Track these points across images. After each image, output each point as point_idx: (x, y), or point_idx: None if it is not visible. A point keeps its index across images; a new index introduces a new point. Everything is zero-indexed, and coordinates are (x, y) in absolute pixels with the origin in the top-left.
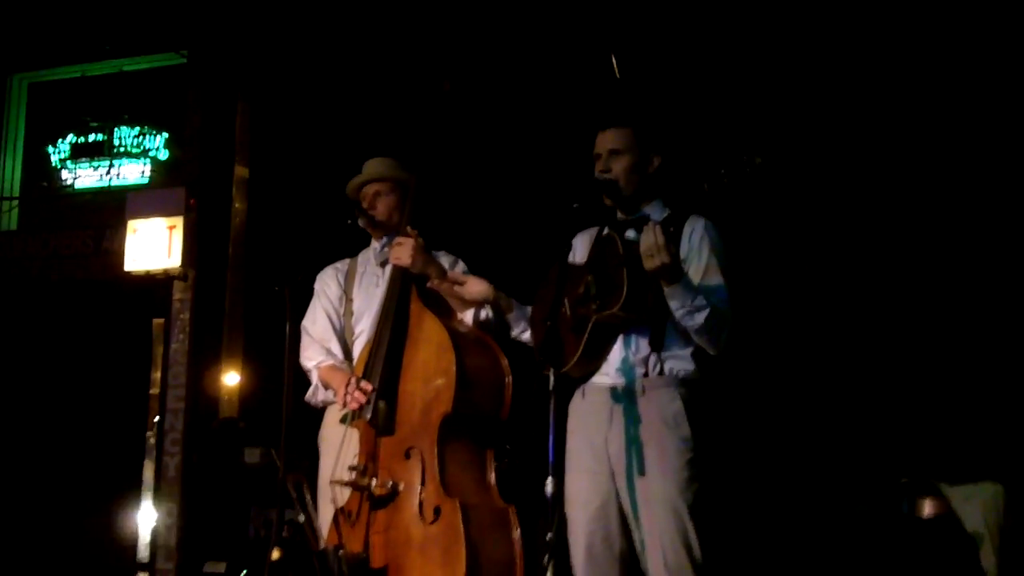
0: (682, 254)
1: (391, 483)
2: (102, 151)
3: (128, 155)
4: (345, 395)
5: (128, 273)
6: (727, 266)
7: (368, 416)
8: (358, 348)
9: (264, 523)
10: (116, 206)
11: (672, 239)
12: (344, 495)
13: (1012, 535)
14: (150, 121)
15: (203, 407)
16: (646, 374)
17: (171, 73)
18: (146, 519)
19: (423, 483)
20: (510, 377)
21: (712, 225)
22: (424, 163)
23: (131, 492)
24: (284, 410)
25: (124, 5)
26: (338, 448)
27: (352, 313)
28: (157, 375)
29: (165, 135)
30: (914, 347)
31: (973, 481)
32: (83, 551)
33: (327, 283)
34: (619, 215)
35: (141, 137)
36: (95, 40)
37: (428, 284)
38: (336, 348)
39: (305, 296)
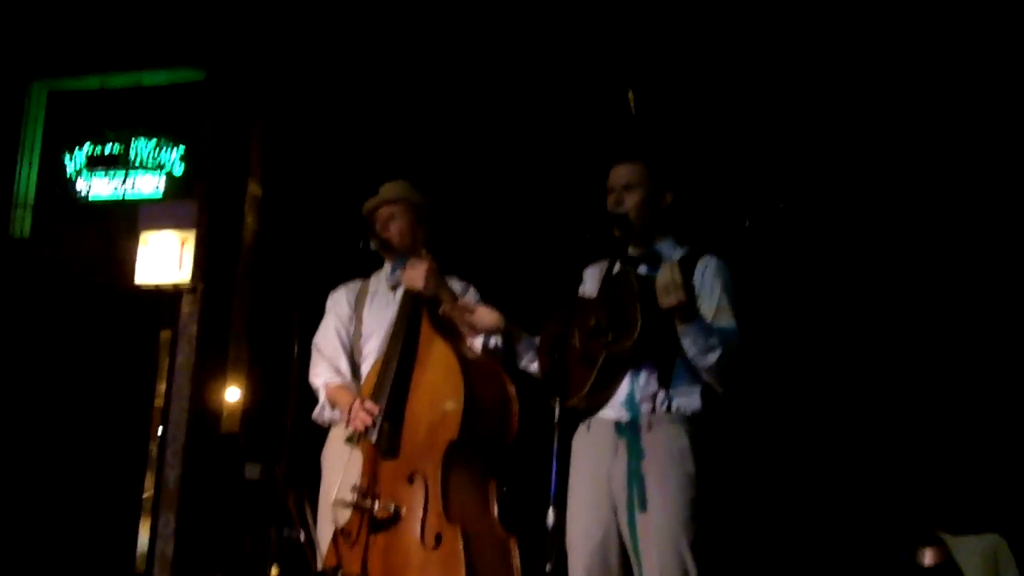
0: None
1: (393, 506)
2: (118, 162)
3: (143, 168)
4: (351, 415)
5: (138, 285)
6: (738, 305)
7: (373, 438)
8: (366, 369)
9: (261, 539)
10: (129, 217)
11: (687, 276)
12: (344, 515)
13: None
14: (167, 135)
15: (206, 421)
16: (653, 410)
17: (189, 89)
18: (144, 530)
19: (425, 508)
20: (517, 406)
21: (724, 263)
22: (439, 187)
23: (131, 502)
24: (287, 428)
25: (145, 19)
26: (341, 468)
27: (362, 335)
28: (162, 387)
29: (181, 149)
30: (918, 394)
31: (974, 532)
32: (81, 559)
33: (339, 302)
34: (631, 250)
35: (157, 150)
36: (115, 52)
37: (440, 310)
38: (345, 367)
39: (313, 316)
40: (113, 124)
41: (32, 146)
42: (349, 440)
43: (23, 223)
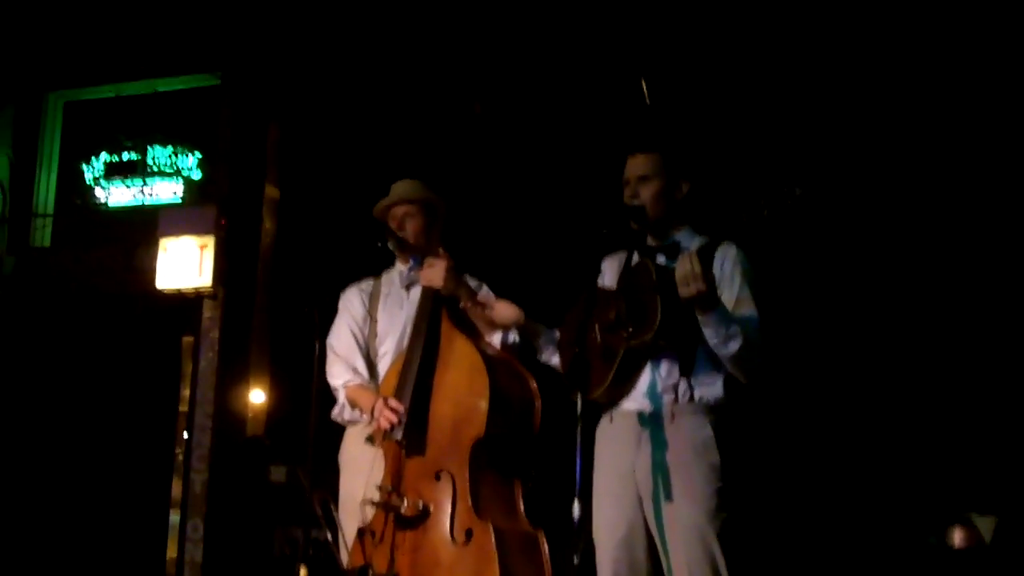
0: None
1: (421, 504)
2: (135, 170)
3: (161, 174)
4: (374, 414)
5: (159, 291)
6: (758, 294)
7: (399, 436)
8: (382, 369)
9: (289, 541)
10: (148, 224)
11: (707, 266)
12: (369, 514)
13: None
14: (183, 141)
15: (230, 425)
16: (675, 400)
17: (205, 93)
18: (173, 535)
19: (454, 505)
20: (539, 401)
21: (743, 252)
22: (454, 185)
23: (159, 508)
24: (310, 429)
25: (159, 25)
26: (360, 467)
27: (376, 334)
28: (186, 392)
29: (198, 155)
30: (947, 376)
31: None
32: (110, 566)
33: (351, 302)
34: (649, 240)
35: (174, 156)
36: (130, 60)
37: (460, 305)
38: (361, 366)
39: (332, 316)
40: (130, 132)
41: (50, 156)
42: (370, 440)
43: (43, 233)
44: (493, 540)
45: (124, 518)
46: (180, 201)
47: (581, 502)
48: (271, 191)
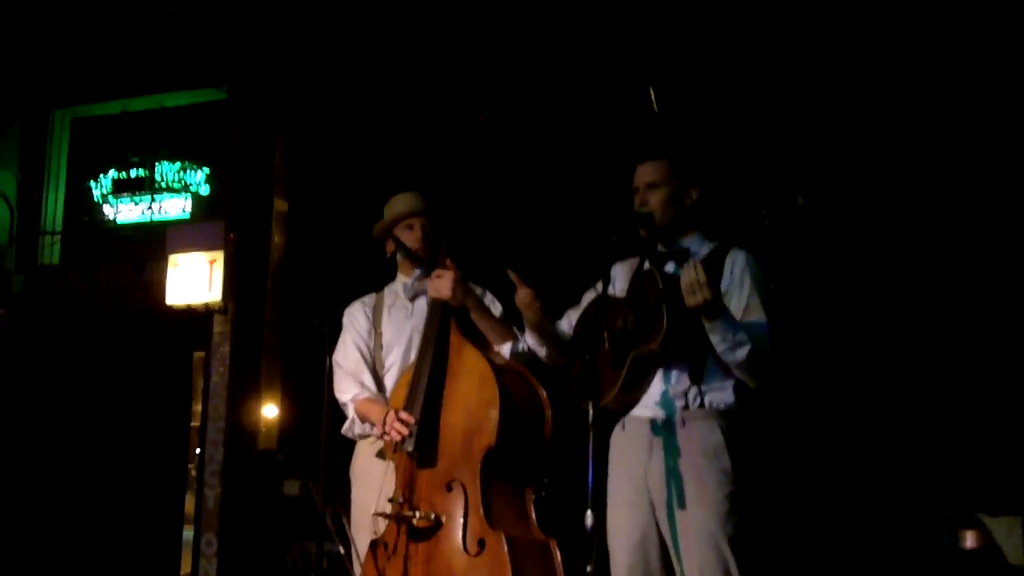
0: (722, 287)
1: (433, 515)
2: (143, 186)
3: (169, 190)
4: (385, 427)
5: (169, 307)
6: (768, 300)
7: (410, 448)
8: (389, 381)
9: (302, 555)
10: (157, 240)
11: (713, 274)
12: (381, 526)
13: None
14: (191, 156)
15: (242, 439)
16: (686, 406)
17: (211, 108)
18: (187, 550)
19: (466, 515)
20: (550, 410)
21: (752, 257)
22: (461, 196)
23: (172, 524)
24: (322, 442)
25: (165, 41)
26: (372, 480)
27: (382, 346)
28: (198, 407)
29: (206, 170)
30: (958, 377)
31: (1016, 512)
32: None
33: (355, 317)
34: (659, 247)
35: (182, 172)
36: (136, 76)
37: (473, 311)
38: (369, 381)
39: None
40: (137, 148)
41: (57, 174)
42: (380, 455)
43: (52, 251)
44: (506, 549)
45: (137, 534)
46: (188, 217)
47: (594, 510)
48: (280, 205)
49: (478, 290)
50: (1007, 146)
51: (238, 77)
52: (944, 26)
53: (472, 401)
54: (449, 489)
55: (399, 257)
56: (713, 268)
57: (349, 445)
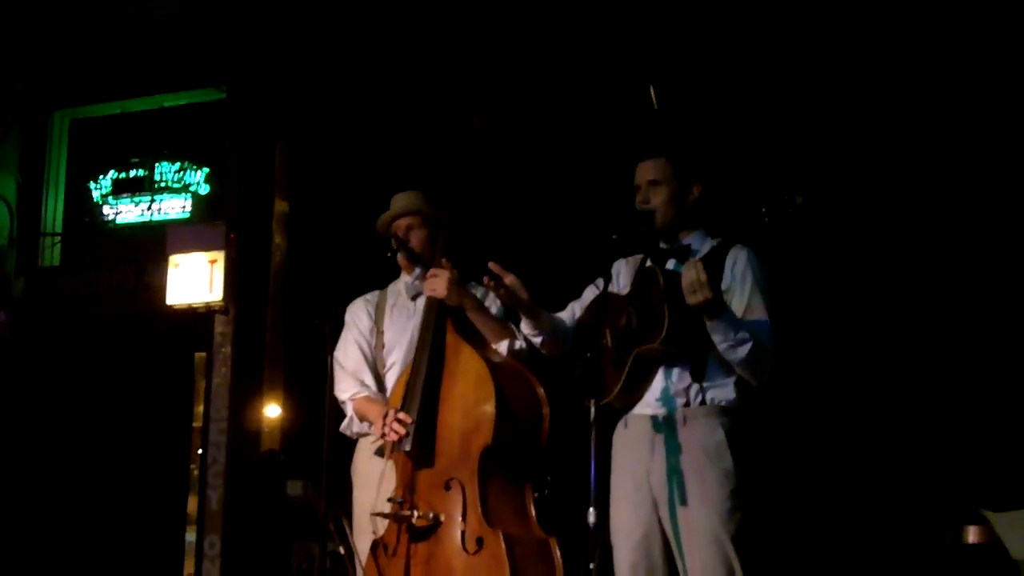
0: (724, 285)
1: (432, 514)
2: (143, 187)
3: (169, 190)
4: (383, 427)
5: (170, 307)
6: (770, 297)
7: (407, 448)
8: (390, 380)
9: (306, 556)
10: (157, 241)
11: (714, 271)
12: (382, 527)
13: None
14: (190, 156)
15: (245, 440)
16: (687, 404)
17: (211, 108)
18: (190, 552)
19: (465, 514)
20: (547, 408)
21: (755, 255)
22: (460, 195)
23: (175, 526)
24: (325, 443)
25: (163, 41)
26: (372, 480)
27: (384, 346)
28: (200, 409)
29: (206, 170)
30: (959, 374)
31: (1018, 507)
32: None
33: (358, 315)
34: (661, 244)
35: (182, 172)
36: (135, 77)
37: (469, 310)
38: (369, 380)
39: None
40: (136, 148)
41: (57, 175)
42: (379, 452)
43: (52, 253)
44: (504, 548)
45: (140, 536)
46: (188, 217)
47: (596, 508)
48: (280, 205)
49: (479, 291)
50: (1008, 146)
51: (237, 77)
52: (944, 26)
53: (469, 400)
54: (447, 488)
55: (399, 256)
56: (714, 266)
57: (351, 445)
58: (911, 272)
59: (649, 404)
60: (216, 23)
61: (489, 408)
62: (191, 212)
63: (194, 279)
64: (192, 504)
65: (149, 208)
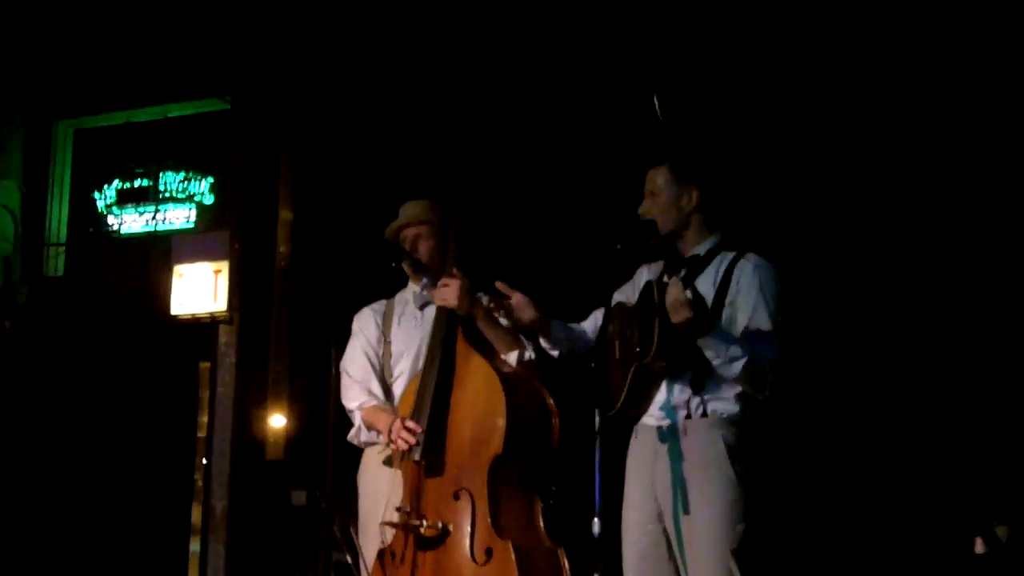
0: (729, 296)
1: (440, 524)
2: (148, 196)
3: (174, 200)
4: (392, 436)
5: (174, 317)
6: (779, 307)
7: (416, 456)
8: (398, 389)
9: (311, 565)
10: (162, 250)
11: (708, 285)
12: (389, 536)
13: None
14: (195, 166)
15: (250, 449)
16: (688, 415)
17: (215, 118)
18: (195, 562)
19: (473, 524)
20: (557, 418)
21: (764, 264)
22: (467, 204)
23: (179, 534)
24: (329, 452)
25: (167, 51)
26: (379, 489)
27: (391, 355)
28: (204, 418)
29: (210, 180)
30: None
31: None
32: None
33: (365, 324)
34: (678, 251)
35: (186, 182)
36: (140, 86)
37: (480, 316)
38: (377, 388)
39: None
40: (141, 158)
41: (61, 184)
42: (387, 462)
43: (56, 262)
44: (513, 558)
45: (144, 545)
46: (193, 226)
47: (601, 519)
48: (285, 214)
49: (486, 299)
50: (1009, 146)
51: (241, 86)
52: (942, 29)
53: (479, 410)
54: (456, 498)
55: (405, 265)
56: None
57: (356, 454)
58: (919, 285)
59: (654, 415)
60: (220, 33)
61: (500, 418)
62: (195, 222)
63: (198, 289)
64: (196, 513)
65: (154, 218)
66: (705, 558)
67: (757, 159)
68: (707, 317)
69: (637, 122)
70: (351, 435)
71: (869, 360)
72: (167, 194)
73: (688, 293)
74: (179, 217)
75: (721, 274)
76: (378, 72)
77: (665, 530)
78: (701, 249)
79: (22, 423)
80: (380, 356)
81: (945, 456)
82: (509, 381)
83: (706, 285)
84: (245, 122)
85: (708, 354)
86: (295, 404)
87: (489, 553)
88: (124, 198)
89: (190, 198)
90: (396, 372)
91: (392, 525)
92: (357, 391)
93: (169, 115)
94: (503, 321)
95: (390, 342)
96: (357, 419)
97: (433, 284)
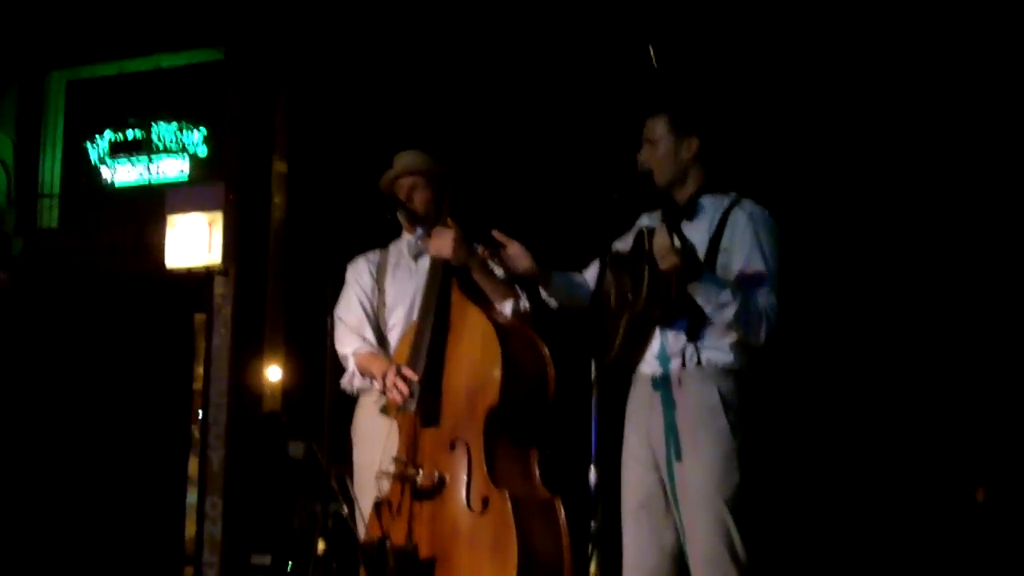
0: (724, 243)
1: (437, 474)
2: (141, 148)
3: (167, 151)
4: (387, 384)
5: (169, 269)
6: (775, 253)
7: (412, 407)
8: (392, 340)
9: (309, 516)
10: (156, 202)
11: (703, 231)
12: (385, 486)
13: None
14: (188, 117)
15: (246, 401)
16: (683, 365)
17: (209, 69)
18: (191, 513)
19: (470, 474)
20: (553, 368)
21: (761, 210)
22: (462, 155)
23: (176, 486)
24: (326, 403)
25: (161, 1)
26: (374, 438)
27: (385, 305)
28: (200, 370)
29: (204, 131)
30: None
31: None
32: (129, 546)
33: (360, 273)
34: (675, 200)
35: (180, 133)
36: (133, 37)
37: (475, 268)
38: (371, 336)
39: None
40: (134, 109)
41: (54, 136)
42: (384, 411)
43: (50, 214)
44: (510, 508)
45: (141, 498)
46: (186, 178)
47: (598, 467)
48: (279, 165)
49: (481, 249)
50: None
51: (236, 36)
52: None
53: (475, 360)
54: (453, 448)
55: (400, 215)
56: (719, 222)
57: (352, 405)
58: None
59: (649, 363)
60: None
61: (495, 369)
62: (189, 174)
63: (193, 240)
64: (193, 465)
65: (147, 169)
66: (699, 508)
67: (757, 110)
68: (695, 263)
69: (634, 71)
70: (344, 381)
71: (869, 312)
72: (160, 146)
73: (676, 239)
74: (173, 169)
75: (716, 221)
76: (372, 21)
77: (662, 480)
78: (702, 197)
79: (17, 375)
80: (374, 305)
81: (942, 409)
82: (505, 331)
83: (700, 232)
84: (239, 73)
85: (699, 300)
86: (292, 356)
87: (486, 503)
88: (117, 149)
89: (184, 149)
90: (391, 323)
91: (388, 476)
92: (351, 337)
93: (162, 66)
94: (498, 271)
95: (384, 292)
96: (351, 365)
97: (427, 235)
